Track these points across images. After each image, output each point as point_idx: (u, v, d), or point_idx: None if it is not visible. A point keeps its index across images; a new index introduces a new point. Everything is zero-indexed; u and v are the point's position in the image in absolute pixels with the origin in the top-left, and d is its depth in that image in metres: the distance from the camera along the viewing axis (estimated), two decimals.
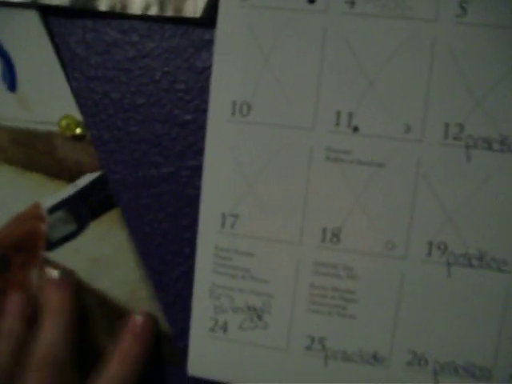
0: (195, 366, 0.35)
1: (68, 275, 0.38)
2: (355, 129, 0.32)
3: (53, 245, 0.38)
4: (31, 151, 0.38)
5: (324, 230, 0.32)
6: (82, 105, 0.38)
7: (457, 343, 0.32)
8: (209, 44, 0.35)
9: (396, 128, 0.31)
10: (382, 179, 0.32)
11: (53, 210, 0.38)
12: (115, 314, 0.38)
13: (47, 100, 0.38)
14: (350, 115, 0.32)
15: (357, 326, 0.33)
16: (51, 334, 0.35)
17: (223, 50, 0.33)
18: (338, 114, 0.32)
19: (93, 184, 0.38)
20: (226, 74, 0.33)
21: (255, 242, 0.33)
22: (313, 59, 0.32)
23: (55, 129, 0.38)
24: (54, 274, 0.38)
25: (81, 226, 0.38)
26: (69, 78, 0.38)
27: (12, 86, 0.38)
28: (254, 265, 0.33)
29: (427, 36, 0.31)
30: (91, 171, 0.38)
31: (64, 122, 0.37)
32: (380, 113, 0.31)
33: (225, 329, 0.34)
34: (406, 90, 0.31)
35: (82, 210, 0.38)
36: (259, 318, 0.33)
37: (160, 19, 0.35)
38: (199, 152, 0.35)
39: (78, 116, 0.37)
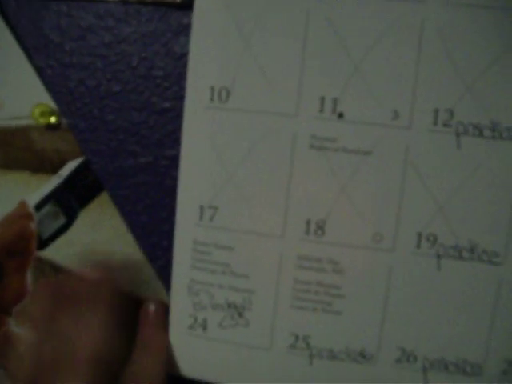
0: (173, 364, 0.33)
1: (161, 306, 0.35)
2: (340, 115, 0.30)
3: (44, 242, 0.37)
4: (9, 149, 0.37)
5: (308, 222, 0.31)
6: (56, 93, 0.36)
7: (447, 339, 0.31)
8: (187, 28, 0.33)
9: (383, 114, 0.30)
10: (369, 168, 0.30)
11: (40, 205, 0.36)
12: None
13: (17, 94, 0.36)
14: (335, 101, 0.30)
15: (343, 323, 0.31)
16: (149, 371, 0.33)
17: (201, 33, 0.31)
18: (323, 99, 0.30)
19: (76, 171, 0.36)
20: (203, 58, 0.31)
21: (235, 235, 0.32)
22: (295, 42, 0.30)
23: (30, 122, 0.36)
24: (151, 307, 0.35)
25: (71, 217, 0.36)
26: (42, 65, 0.36)
27: None
28: (235, 259, 0.32)
29: (415, 18, 0.29)
30: (73, 158, 0.36)
31: (37, 111, 0.36)
32: (366, 98, 0.30)
33: (204, 326, 0.33)
34: (393, 75, 0.30)
35: (70, 200, 0.36)
36: (240, 315, 0.32)
37: (137, 3, 0.34)
38: (178, 141, 0.33)
39: (52, 104, 0.36)
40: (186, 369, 0.33)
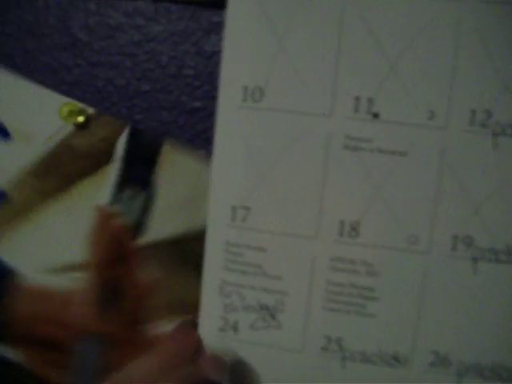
0: None
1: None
2: (375, 115, 0.30)
3: (140, 226, 0.35)
4: (61, 169, 0.36)
5: (342, 223, 0.31)
6: (84, 92, 0.36)
7: (482, 343, 0.30)
8: (218, 27, 0.33)
9: (419, 114, 0.29)
10: (404, 169, 0.30)
11: (115, 198, 0.35)
12: None
13: (37, 116, 0.36)
14: (370, 101, 0.30)
15: (376, 325, 0.31)
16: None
17: (234, 32, 0.31)
18: (357, 99, 0.30)
19: (128, 145, 0.35)
20: (237, 57, 0.31)
21: (268, 236, 0.31)
22: (330, 41, 0.30)
23: (62, 135, 0.36)
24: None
25: (148, 187, 0.35)
26: (70, 64, 0.36)
27: (5, 134, 0.36)
28: (267, 260, 0.31)
29: (452, 16, 0.29)
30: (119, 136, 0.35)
31: (65, 110, 0.36)
32: (402, 98, 0.29)
33: (235, 328, 0.32)
34: (429, 74, 0.29)
35: (137, 173, 0.35)
36: (272, 317, 0.32)
37: (167, 1, 0.34)
38: (208, 141, 0.33)
39: (80, 103, 0.35)
40: None
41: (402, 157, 0.30)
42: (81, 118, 0.35)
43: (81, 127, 0.35)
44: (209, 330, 0.33)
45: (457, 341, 0.30)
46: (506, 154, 0.29)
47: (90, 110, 0.36)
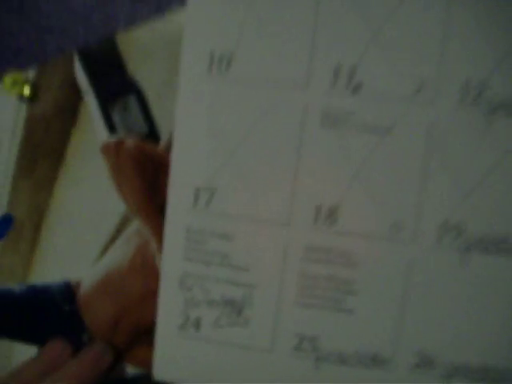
0: (162, 369, 0.31)
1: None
2: (357, 87, 0.28)
3: (153, 129, 0.33)
4: (42, 150, 0.34)
5: (318, 209, 0.29)
6: (31, 60, 0.33)
7: (471, 342, 0.28)
8: None
9: (405, 87, 0.27)
10: (388, 148, 0.28)
11: (110, 124, 0.33)
12: None
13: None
14: (351, 71, 0.28)
15: (355, 323, 0.29)
16: None
17: None
18: (337, 69, 0.28)
19: (85, 67, 0.32)
20: (201, 21, 0.29)
21: (235, 221, 0.29)
22: (307, 4, 0.28)
23: (23, 111, 0.33)
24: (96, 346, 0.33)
25: (132, 90, 0.32)
26: (15, 30, 0.33)
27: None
28: (233, 249, 0.30)
29: None
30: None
31: (9, 80, 0.32)
32: (386, 68, 0.27)
33: (197, 326, 0.30)
34: (417, 43, 0.27)
35: (113, 85, 0.32)
36: (238, 312, 0.30)
37: None
38: None
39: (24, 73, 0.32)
40: (176, 374, 0.31)
41: (385, 134, 0.28)
42: (26, 89, 0.32)
43: (31, 98, 0.32)
44: (167, 327, 0.31)
45: (444, 340, 0.29)
46: (500, 133, 0.27)
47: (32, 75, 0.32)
